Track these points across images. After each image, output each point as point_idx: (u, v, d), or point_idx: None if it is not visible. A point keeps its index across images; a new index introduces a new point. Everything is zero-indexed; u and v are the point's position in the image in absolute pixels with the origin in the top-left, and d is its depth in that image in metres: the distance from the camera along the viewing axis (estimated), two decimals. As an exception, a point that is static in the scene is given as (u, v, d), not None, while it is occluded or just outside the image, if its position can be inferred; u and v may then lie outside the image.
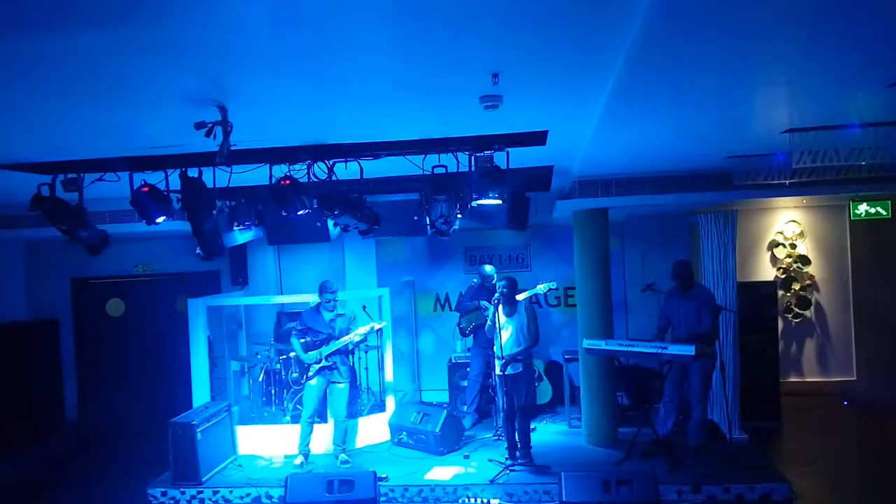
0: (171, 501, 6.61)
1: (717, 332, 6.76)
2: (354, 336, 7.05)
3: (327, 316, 7.08)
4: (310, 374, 7.04)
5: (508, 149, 5.11)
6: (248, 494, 6.57)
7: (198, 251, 5.58)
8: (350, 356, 7.32)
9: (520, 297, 6.98)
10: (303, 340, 7.07)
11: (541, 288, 7.80)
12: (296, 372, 7.85)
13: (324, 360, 6.97)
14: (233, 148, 4.04)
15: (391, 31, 2.81)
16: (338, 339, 6.99)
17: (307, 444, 7.05)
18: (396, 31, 2.80)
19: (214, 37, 2.79)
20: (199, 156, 4.89)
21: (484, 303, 7.80)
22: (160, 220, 5.25)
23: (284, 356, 7.99)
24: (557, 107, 4.28)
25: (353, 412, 7.71)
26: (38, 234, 7.32)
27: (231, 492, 6.60)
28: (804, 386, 9.44)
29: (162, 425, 6.87)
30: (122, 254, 8.88)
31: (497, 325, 6.63)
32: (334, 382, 7.06)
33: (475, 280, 8.49)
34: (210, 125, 3.80)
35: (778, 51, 3.19)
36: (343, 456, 7.02)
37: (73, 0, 2.33)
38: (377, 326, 7.34)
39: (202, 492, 6.61)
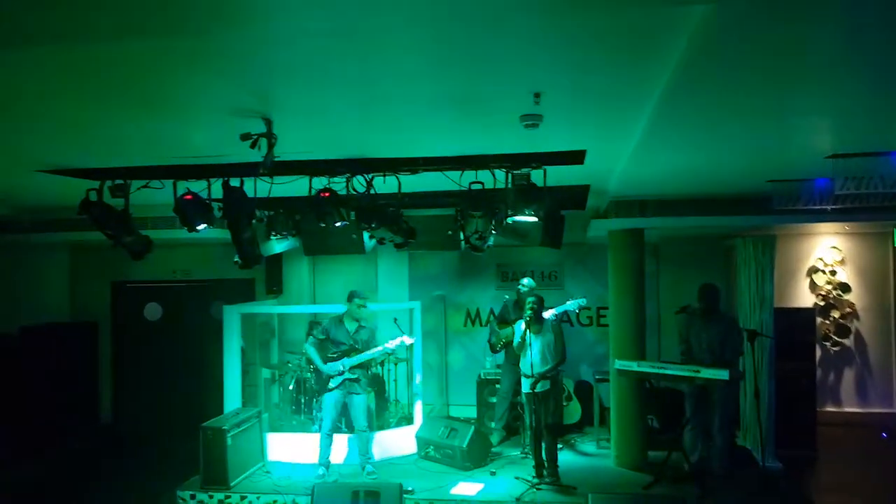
0: (200, 505, 6.71)
1: (737, 358, 6.66)
2: (384, 349, 6.99)
3: (351, 327, 7.04)
4: (330, 385, 6.98)
5: (545, 167, 5.12)
6: (274, 501, 6.61)
7: (236, 259, 5.68)
8: (369, 370, 7.22)
9: (547, 313, 6.95)
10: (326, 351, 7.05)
11: (570, 304, 7.72)
12: (315, 384, 7.75)
13: (347, 372, 6.94)
14: (275, 159, 4.12)
15: (435, 49, 2.85)
16: (361, 350, 6.96)
17: (327, 457, 7.03)
18: (441, 48, 2.84)
19: (262, 49, 2.86)
20: (241, 166, 4.99)
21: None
22: (201, 227, 5.35)
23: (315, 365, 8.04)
24: (597, 127, 4.29)
25: (374, 424, 7.72)
26: (81, 237, 7.51)
27: (258, 498, 6.66)
28: (842, 416, 9.20)
29: (193, 429, 6.97)
30: (161, 259, 9.04)
31: (528, 342, 6.62)
32: (353, 393, 7.00)
33: (507, 297, 8.45)
34: (255, 137, 3.88)
35: (822, 77, 3.16)
36: (370, 467, 7.03)
37: (125, 11, 2.41)
38: (408, 341, 7.28)
39: (230, 496, 6.68)
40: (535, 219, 5.34)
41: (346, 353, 6.96)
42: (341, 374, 6.93)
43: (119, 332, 10.11)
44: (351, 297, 7.06)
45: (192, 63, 3.01)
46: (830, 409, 9.22)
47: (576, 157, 5.13)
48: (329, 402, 7.02)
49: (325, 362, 6.99)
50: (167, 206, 5.45)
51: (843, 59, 2.85)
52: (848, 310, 9.28)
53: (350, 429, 7.33)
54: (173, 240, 7.42)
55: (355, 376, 6.96)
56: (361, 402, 7.05)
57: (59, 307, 9.88)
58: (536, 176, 5.16)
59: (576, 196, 7.17)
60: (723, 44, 2.59)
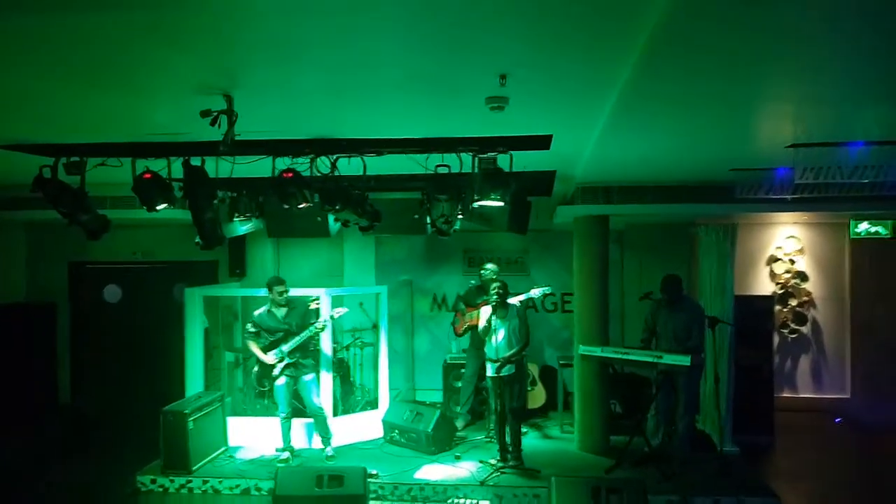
0: (161, 489, 6.61)
1: (702, 344, 6.79)
2: (315, 328, 6.88)
3: (280, 313, 6.96)
4: (275, 374, 6.90)
5: (512, 151, 5.11)
6: (237, 486, 6.57)
7: (197, 240, 5.59)
8: (309, 350, 7.11)
9: (513, 300, 6.97)
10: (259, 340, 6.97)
11: (535, 292, 7.75)
12: (256, 367, 7.30)
13: (287, 357, 6.86)
14: (237, 138, 4.04)
15: (400, 25, 2.81)
16: (296, 333, 6.89)
17: (289, 441, 7.02)
18: (405, 24, 2.80)
19: (223, 23, 2.78)
20: (203, 144, 4.90)
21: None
22: (161, 207, 5.24)
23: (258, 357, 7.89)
24: (563, 111, 4.28)
25: (338, 407, 7.68)
26: (38, 216, 7.32)
27: (221, 482, 6.60)
28: (798, 402, 9.45)
29: (154, 413, 6.87)
30: (121, 240, 8.88)
31: (493, 327, 6.65)
32: (299, 376, 6.94)
33: (472, 282, 8.49)
34: (215, 114, 3.79)
35: (786, 63, 3.19)
36: (330, 451, 7.00)
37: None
38: (338, 313, 7.10)
39: (192, 481, 6.61)
40: (501, 203, 5.33)
41: (283, 340, 6.90)
42: (282, 360, 6.86)
43: (78, 314, 9.89)
44: (270, 287, 6.95)
45: (152, 36, 2.91)
46: (787, 394, 9.46)
47: (542, 142, 5.12)
48: (279, 388, 6.97)
49: (265, 352, 6.92)
50: (126, 185, 5.31)
51: (807, 44, 2.87)
52: (805, 298, 9.50)
53: (302, 414, 7.27)
54: (133, 220, 7.26)
55: (294, 360, 6.90)
56: (309, 384, 6.99)
57: (15, 287, 9.62)
58: (503, 161, 5.16)
59: (543, 182, 7.19)
60: (689, 25, 2.59)
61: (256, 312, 7.08)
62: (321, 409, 7.08)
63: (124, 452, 7.64)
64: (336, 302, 7.72)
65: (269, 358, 6.88)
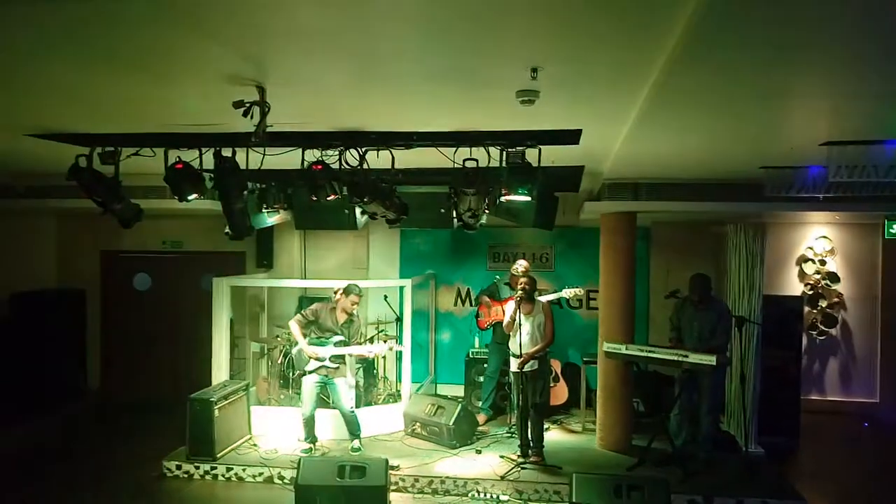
0: (186, 475, 6.72)
1: (727, 344, 6.71)
2: (367, 353, 6.95)
3: (341, 318, 6.99)
4: (307, 368, 6.95)
5: (541, 146, 5.09)
6: (260, 474, 6.66)
7: (226, 231, 5.65)
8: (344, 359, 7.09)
9: (544, 298, 6.95)
10: (306, 331, 7.00)
11: (568, 293, 7.72)
12: (296, 363, 7.45)
13: (328, 361, 6.86)
14: (268, 128, 4.08)
15: (432, 17, 2.80)
16: (347, 343, 6.90)
17: (312, 434, 7.06)
18: (437, 16, 2.80)
19: (254, 12, 2.80)
20: (234, 136, 4.94)
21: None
22: (192, 197, 5.30)
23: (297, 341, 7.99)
24: (593, 106, 4.25)
25: (361, 400, 7.73)
26: (69, 204, 7.44)
27: (244, 469, 6.69)
28: (825, 404, 9.31)
29: (181, 400, 6.97)
30: (151, 229, 9.03)
31: (518, 322, 6.64)
32: (331, 378, 6.93)
33: (497, 276, 8.49)
34: (248, 104, 3.83)
35: (820, 61, 3.14)
36: (357, 444, 7.05)
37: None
38: (396, 349, 7.14)
39: (216, 468, 6.71)
40: (528, 198, 5.31)
41: (329, 340, 6.91)
42: (322, 361, 6.87)
43: (108, 301, 10.07)
44: (348, 293, 6.96)
45: (186, 25, 2.95)
46: (814, 397, 9.32)
47: (572, 137, 5.10)
48: (308, 386, 6.98)
49: (309, 344, 6.94)
50: (158, 176, 5.39)
51: (845, 39, 2.81)
52: (835, 300, 9.34)
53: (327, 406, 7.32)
54: (164, 210, 7.36)
55: (336, 365, 6.91)
56: (342, 387, 6.97)
57: (46, 274, 9.82)
58: (531, 156, 5.14)
59: (570, 177, 7.15)
60: (723, 18, 2.55)
61: (320, 305, 7.09)
62: (353, 412, 7.07)
63: (151, 438, 7.78)
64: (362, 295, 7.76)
65: (310, 350, 6.88)
